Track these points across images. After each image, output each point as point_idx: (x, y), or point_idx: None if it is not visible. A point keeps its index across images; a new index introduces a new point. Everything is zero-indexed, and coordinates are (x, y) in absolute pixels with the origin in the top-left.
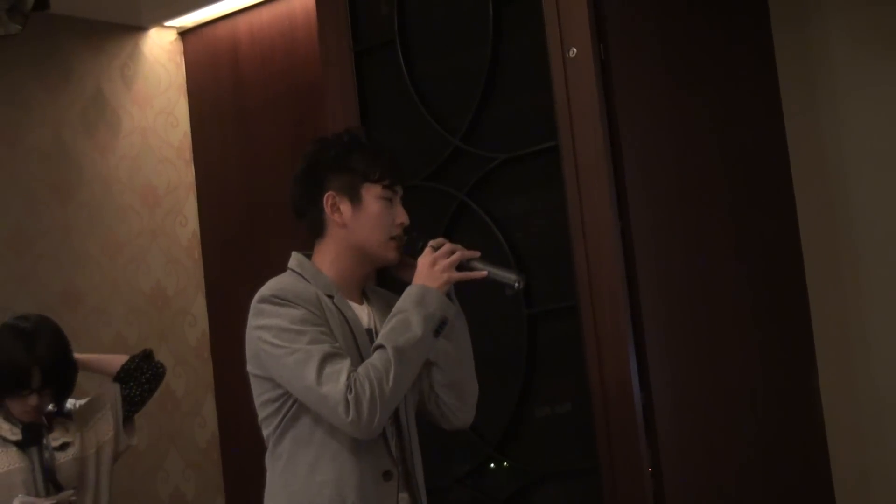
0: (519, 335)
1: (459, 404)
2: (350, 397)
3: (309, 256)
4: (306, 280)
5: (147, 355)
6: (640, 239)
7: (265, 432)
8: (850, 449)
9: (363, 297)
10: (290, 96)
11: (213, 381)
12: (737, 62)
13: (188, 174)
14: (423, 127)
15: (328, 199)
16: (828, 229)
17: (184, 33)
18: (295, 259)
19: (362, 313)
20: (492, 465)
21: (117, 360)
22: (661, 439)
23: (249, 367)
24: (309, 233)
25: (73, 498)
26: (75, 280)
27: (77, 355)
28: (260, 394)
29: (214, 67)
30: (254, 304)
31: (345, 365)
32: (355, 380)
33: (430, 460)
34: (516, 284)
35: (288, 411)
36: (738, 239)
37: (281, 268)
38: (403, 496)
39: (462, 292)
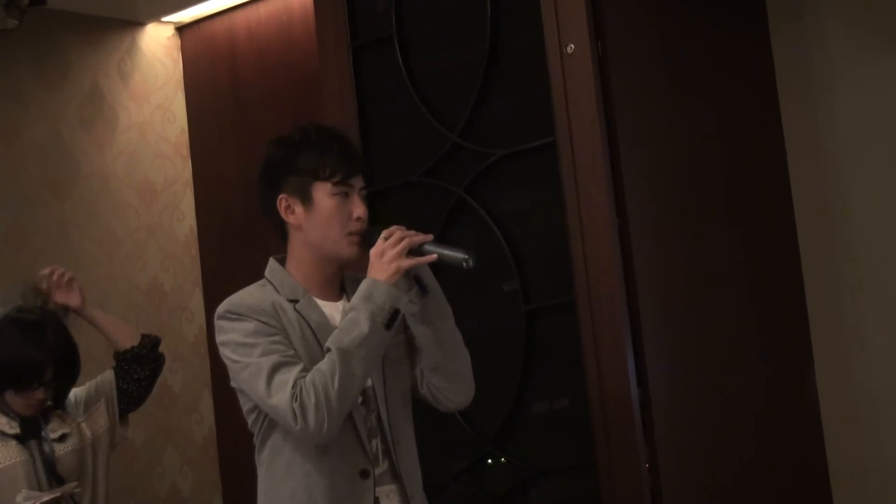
0: (517, 331)
1: (448, 386)
2: (296, 406)
3: (283, 261)
4: (274, 287)
5: (155, 344)
6: (638, 235)
7: (254, 438)
8: (846, 446)
9: (342, 291)
10: (287, 92)
11: (211, 377)
12: (734, 58)
13: (185, 170)
14: (420, 123)
15: (281, 201)
16: (825, 226)
17: (181, 29)
18: (269, 266)
19: (336, 311)
20: (489, 461)
21: (128, 335)
22: (658, 436)
23: (231, 383)
24: (277, 234)
25: (77, 489)
26: None
27: (91, 310)
28: (242, 404)
29: (212, 63)
30: (214, 320)
31: (293, 373)
32: (301, 388)
33: (426, 456)
34: (464, 263)
35: (263, 421)
36: (736, 236)
37: None
38: (391, 488)
39: (458, 288)
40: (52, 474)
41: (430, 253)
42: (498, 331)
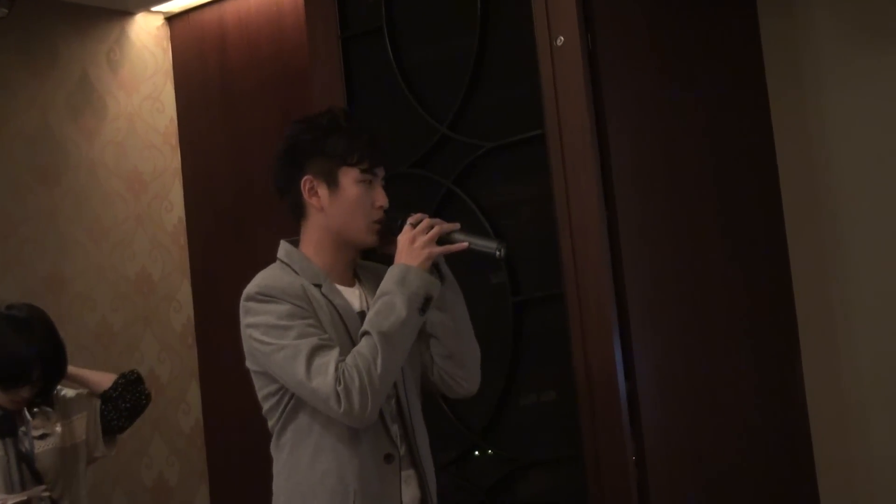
0: (505, 323)
1: (462, 373)
2: (339, 389)
3: (296, 243)
4: (294, 270)
5: (132, 381)
6: (627, 228)
7: (269, 424)
8: (834, 440)
9: (355, 278)
10: (276, 82)
11: (198, 367)
12: (723, 51)
13: (174, 160)
14: (410, 114)
15: (305, 182)
16: (813, 219)
17: (171, 18)
18: (283, 249)
19: (353, 297)
20: (476, 452)
21: (105, 381)
22: (645, 429)
23: (247, 363)
24: (291, 214)
25: (45, 493)
26: (60, 265)
27: (69, 369)
28: (260, 388)
29: (201, 53)
30: (242, 302)
31: (332, 356)
32: (344, 371)
33: None
34: (497, 253)
35: (287, 404)
36: (725, 229)
37: (266, 255)
38: (409, 474)
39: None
40: (31, 471)
41: (460, 241)
42: (486, 323)
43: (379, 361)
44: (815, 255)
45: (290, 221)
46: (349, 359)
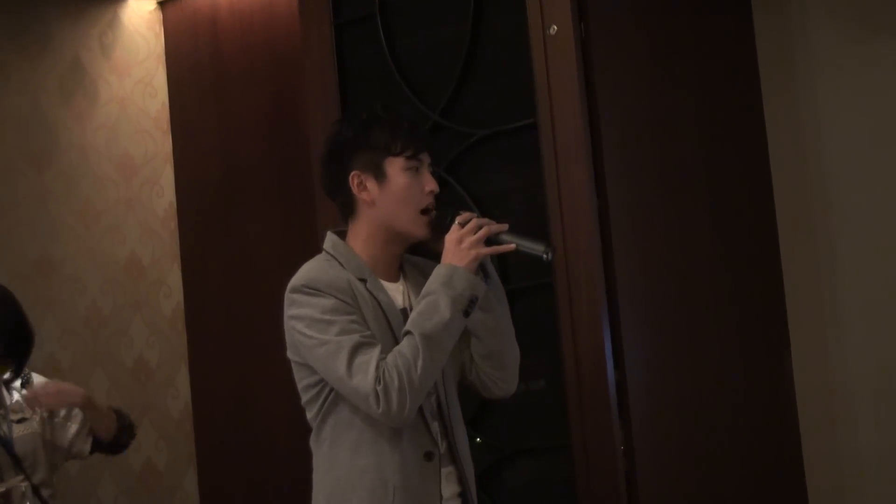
0: None
1: (500, 374)
2: (379, 389)
3: (343, 235)
4: (339, 263)
5: (126, 427)
6: (617, 217)
7: (308, 415)
8: (822, 431)
9: (400, 272)
10: (269, 68)
11: (188, 352)
12: (716, 42)
13: (165, 144)
14: (402, 101)
15: (353, 178)
16: (804, 211)
17: (163, 3)
18: (329, 240)
19: (397, 293)
20: None
21: (110, 425)
22: (633, 418)
23: (289, 354)
24: (341, 214)
25: (24, 483)
26: (50, 249)
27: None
28: (300, 379)
29: (193, 38)
30: (287, 293)
31: (374, 354)
32: (384, 370)
33: None
34: (545, 256)
35: (327, 397)
36: (715, 220)
37: (256, 240)
38: (449, 470)
39: None
40: (10, 454)
41: (508, 242)
42: None
43: (420, 363)
44: (805, 248)
45: (280, 207)
46: (390, 358)
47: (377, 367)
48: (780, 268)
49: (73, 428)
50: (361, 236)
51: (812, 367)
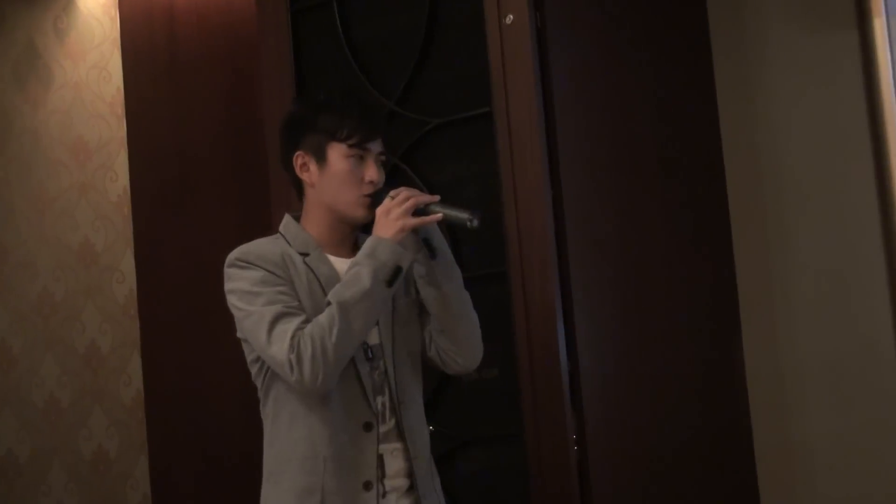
0: None
1: (455, 348)
2: (292, 357)
3: (298, 218)
4: (286, 241)
5: None
6: (572, 207)
7: (258, 391)
8: (772, 421)
9: (356, 249)
10: (225, 54)
11: (140, 338)
12: (671, 33)
13: (120, 129)
14: (358, 89)
15: (297, 158)
16: (756, 201)
17: None
18: (284, 221)
19: (346, 267)
20: None
21: None
22: (586, 407)
23: (238, 332)
24: (294, 191)
25: None
26: (2, 234)
27: None
28: (246, 354)
29: (149, 22)
30: (224, 269)
31: (293, 324)
32: (299, 339)
33: None
34: (469, 223)
35: (266, 371)
36: (669, 209)
37: (211, 227)
38: (395, 447)
39: None
40: None
41: (436, 213)
42: None
43: (335, 331)
44: (757, 236)
45: (235, 193)
46: (307, 327)
47: (293, 336)
48: (733, 256)
49: None
50: (310, 214)
51: (763, 357)
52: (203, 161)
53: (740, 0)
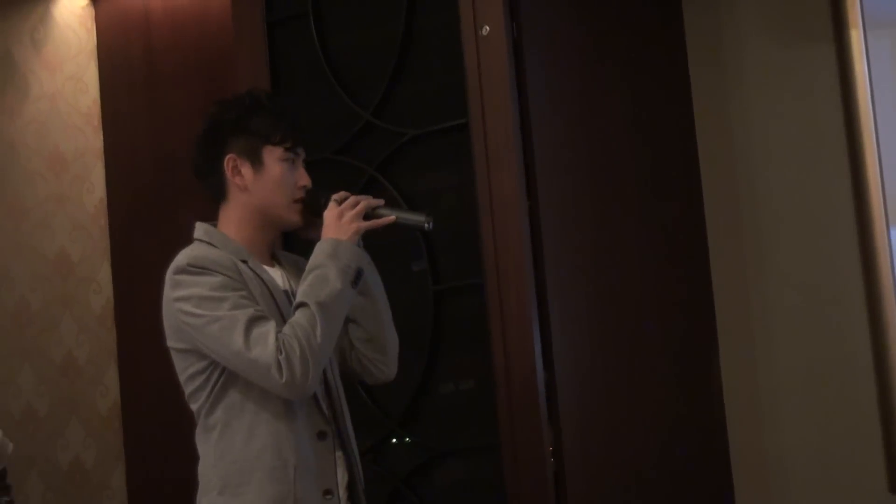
0: (425, 311)
1: (382, 357)
2: (281, 358)
3: (215, 225)
4: (216, 248)
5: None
6: (548, 217)
7: (194, 407)
8: (748, 431)
9: (273, 260)
10: (201, 65)
11: (117, 349)
12: (647, 44)
13: (96, 141)
14: (334, 100)
15: (229, 161)
16: (733, 214)
17: None
18: (201, 228)
19: (276, 276)
20: (394, 440)
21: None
22: (563, 419)
23: (170, 343)
24: (212, 196)
25: None
26: None
27: None
28: (185, 368)
29: (125, 34)
30: (169, 275)
31: (270, 327)
32: (284, 340)
33: None
34: (426, 225)
35: (217, 381)
36: (645, 220)
37: (188, 238)
38: (339, 454)
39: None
40: None
41: (387, 216)
42: (406, 311)
43: (318, 331)
44: (733, 249)
45: (211, 204)
46: (287, 329)
47: (277, 338)
48: (710, 268)
49: None
50: (234, 221)
51: (740, 370)
52: (180, 172)
53: (717, 13)
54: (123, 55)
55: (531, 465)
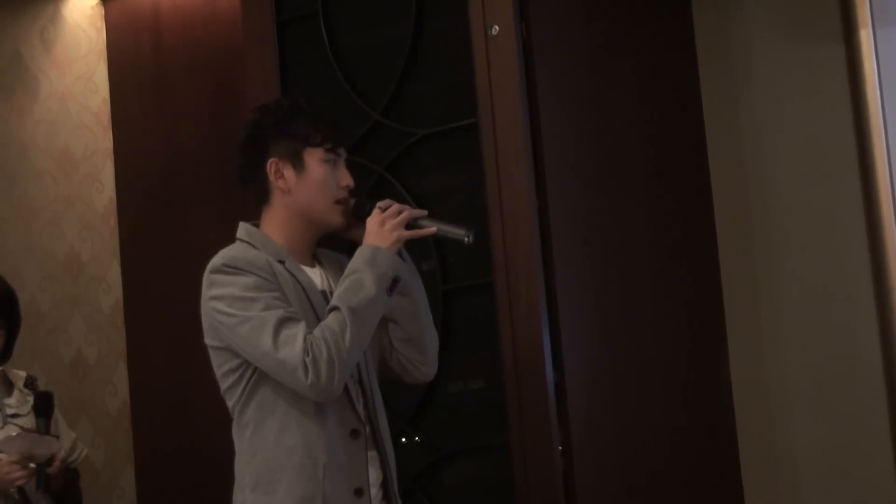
0: (434, 311)
1: (421, 357)
2: (308, 360)
3: (257, 225)
4: (256, 248)
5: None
6: (558, 217)
7: (229, 403)
8: (757, 429)
9: (315, 260)
10: (210, 64)
11: (126, 349)
12: (657, 43)
13: (106, 140)
14: (343, 100)
15: (271, 165)
16: (742, 213)
17: None
18: (243, 228)
19: (315, 276)
20: (403, 440)
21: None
22: (572, 418)
23: (207, 340)
24: (255, 201)
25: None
26: None
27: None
28: (220, 365)
29: (135, 33)
30: (206, 275)
31: (300, 328)
32: (312, 342)
33: None
34: (466, 239)
35: (249, 380)
36: (655, 219)
37: (196, 237)
38: (373, 454)
39: None
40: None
41: (429, 227)
42: None
43: (347, 335)
44: (743, 248)
45: (220, 204)
46: (317, 331)
47: (305, 340)
48: (719, 268)
49: (61, 444)
50: (276, 223)
51: (749, 368)
52: (189, 171)
53: (726, 11)
54: (133, 55)
55: (540, 464)
